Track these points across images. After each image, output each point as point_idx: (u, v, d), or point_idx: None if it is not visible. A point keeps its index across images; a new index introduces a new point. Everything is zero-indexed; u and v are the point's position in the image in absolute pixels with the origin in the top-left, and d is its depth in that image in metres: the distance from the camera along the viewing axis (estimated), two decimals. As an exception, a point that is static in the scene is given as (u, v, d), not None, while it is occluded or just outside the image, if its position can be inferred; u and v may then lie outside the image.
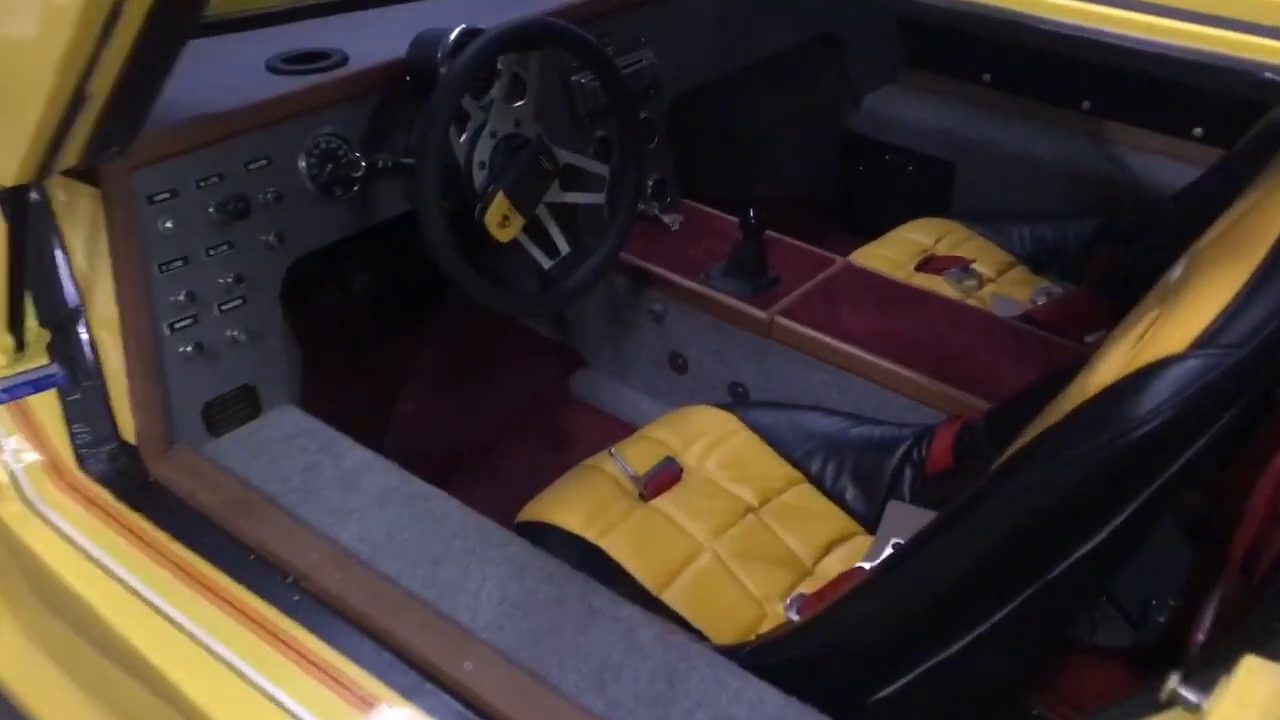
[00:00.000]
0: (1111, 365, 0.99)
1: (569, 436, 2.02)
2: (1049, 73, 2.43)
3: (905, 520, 1.59)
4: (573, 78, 1.84)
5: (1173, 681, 0.68)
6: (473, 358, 2.11)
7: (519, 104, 1.57)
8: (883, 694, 1.12)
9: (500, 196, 1.50)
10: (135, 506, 1.31)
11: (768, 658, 1.20)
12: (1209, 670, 0.71)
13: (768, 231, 1.87)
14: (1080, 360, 1.38)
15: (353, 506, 1.33)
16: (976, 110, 2.47)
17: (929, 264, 2.18)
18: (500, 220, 1.51)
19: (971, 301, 2.05)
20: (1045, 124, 2.40)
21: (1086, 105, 2.40)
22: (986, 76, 2.52)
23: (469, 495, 1.38)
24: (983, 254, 2.23)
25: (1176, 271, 1.08)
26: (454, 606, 1.19)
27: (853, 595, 1.15)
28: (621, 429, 1.98)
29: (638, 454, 1.64)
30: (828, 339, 1.75)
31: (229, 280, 1.42)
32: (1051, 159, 2.37)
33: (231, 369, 1.45)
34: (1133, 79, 2.35)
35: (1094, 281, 1.88)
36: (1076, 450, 0.94)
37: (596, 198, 1.68)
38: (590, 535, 1.49)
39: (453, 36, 1.51)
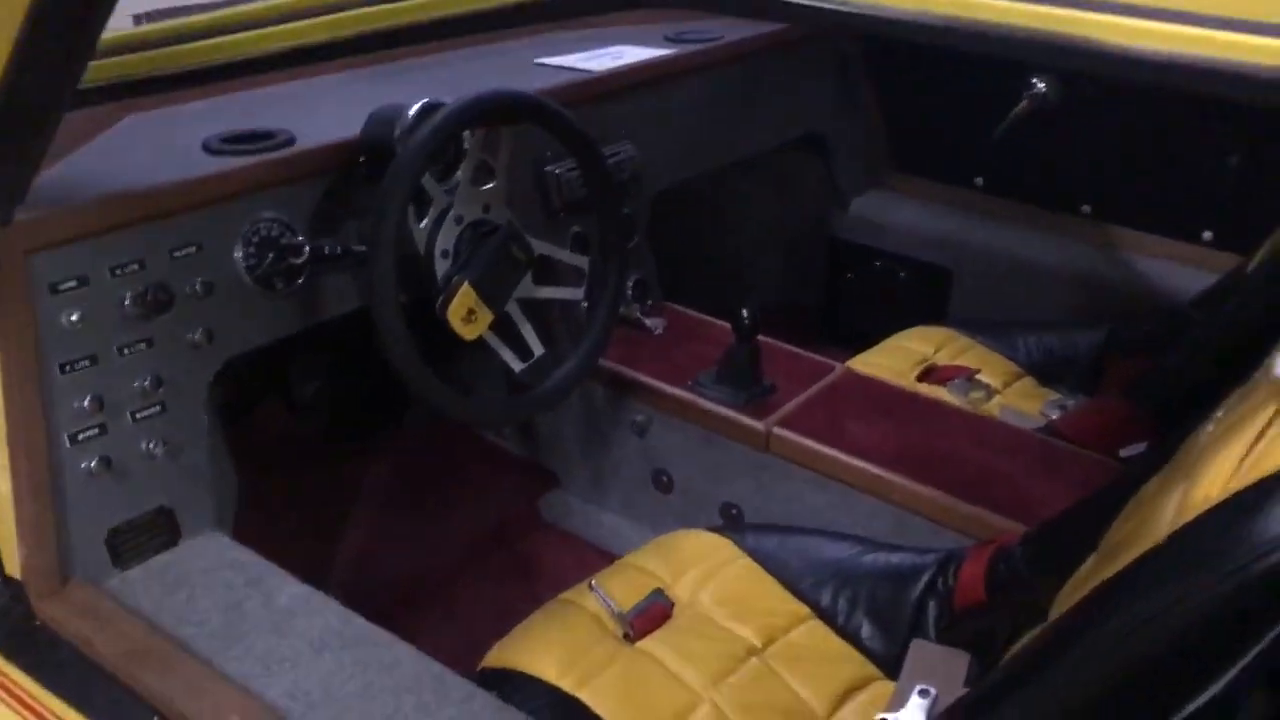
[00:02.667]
0: (1217, 474, 0.80)
1: (540, 567, 1.80)
2: (1044, 176, 2.32)
3: (932, 662, 1.38)
4: (547, 168, 1.68)
5: None
6: (432, 477, 1.90)
7: (487, 187, 1.40)
8: None
9: (466, 287, 1.32)
10: (12, 655, 1.08)
11: None
12: None
13: (760, 336, 1.69)
14: (1130, 476, 1.21)
15: (284, 654, 1.10)
16: (971, 215, 2.34)
17: (931, 374, 2.01)
18: (465, 314, 1.32)
19: (978, 412, 1.88)
20: (1044, 229, 2.28)
21: (1086, 209, 2.28)
22: (979, 180, 2.40)
23: (425, 638, 1.17)
24: (987, 364, 2.06)
25: (1276, 361, 0.90)
26: None
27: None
28: (600, 558, 1.77)
29: (621, 586, 1.42)
30: (833, 452, 1.56)
31: (145, 384, 1.21)
32: (1054, 265, 2.23)
33: (145, 488, 1.23)
34: (1133, 181, 2.24)
35: (1124, 390, 1.71)
36: (1192, 581, 0.74)
37: (574, 293, 1.51)
38: (568, 685, 1.27)
39: (412, 111, 1.34)
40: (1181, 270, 2.13)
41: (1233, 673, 0.76)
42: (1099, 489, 1.28)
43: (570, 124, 1.43)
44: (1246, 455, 0.78)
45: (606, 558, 1.78)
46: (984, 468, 1.54)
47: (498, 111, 1.35)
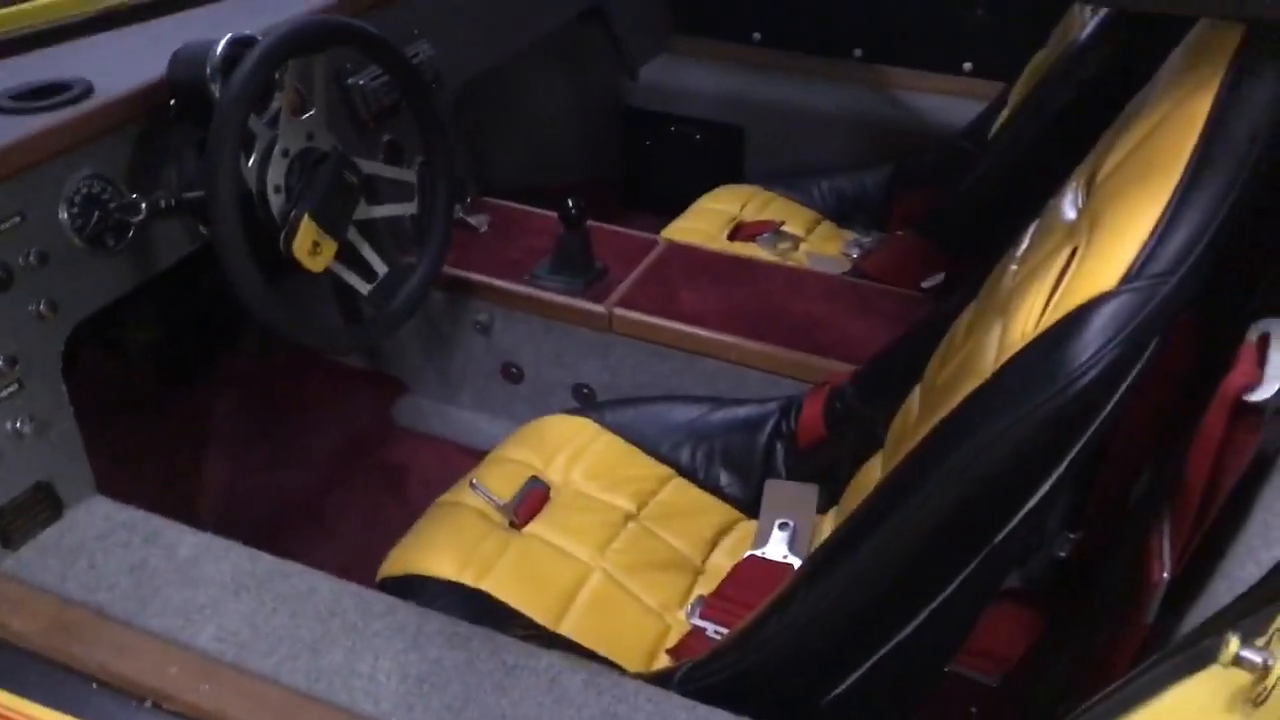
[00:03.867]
0: (1029, 313, 0.94)
1: (405, 472, 1.85)
2: (817, 25, 2.43)
3: (786, 497, 1.53)
4: (349, 80, 1.67)
5: (1233, 645, 0.62)
6: (281, 402, 1.91)
7: (308, 115, 1.40)
8: (835, 692, 1.05)
9: (306, 220, 1.33)
10: None
11: (704, 680, 1.10)
12: (1251, 620, 0.67)
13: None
14: (941, 312, 1.36)
15: (201, 602, 1.14)
16: (755, 71, 2.44)
17: (740, 231, 2.14)
18: (310, 248, 1.33)
19: (790, 263, 2.02)
20: (823, 77, 2.41)
21: (858, 53, 2.42)
22: (756, 35, 2.50)
23: (312, 561, 1.22)
24: (789, 214, 2.21)
25: (1067, 204, 1.04)
26: (352, 697, 1.04)
27: (787, 598, 1.07)
28: (461, 454, 1.84)
29: (498, 479, 1.50)
30: (672, 324, 1.67)
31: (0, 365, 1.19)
32: (836, 111, 2.37)
33: (19, 467, 1.22)
34: (896, 22, 2.38)
35: (916, 226, 1.88)
36: (1021, 408, 0.88)
37: (409, 207, 1.53)
38: (469, 579, 1.36)
39: (220, 49, 1.32)
40: (951, 102, 2.31)
41: (1054, 477, 0.92)
42: (914, 325, 1.43)
43: (384, 41, 1.43)
44: (1051, 295, 0.92)
45: (467, 453, 1.85)
46: (806, 316, 1.68)
47: (315, 38, 1.33)
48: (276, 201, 1.34)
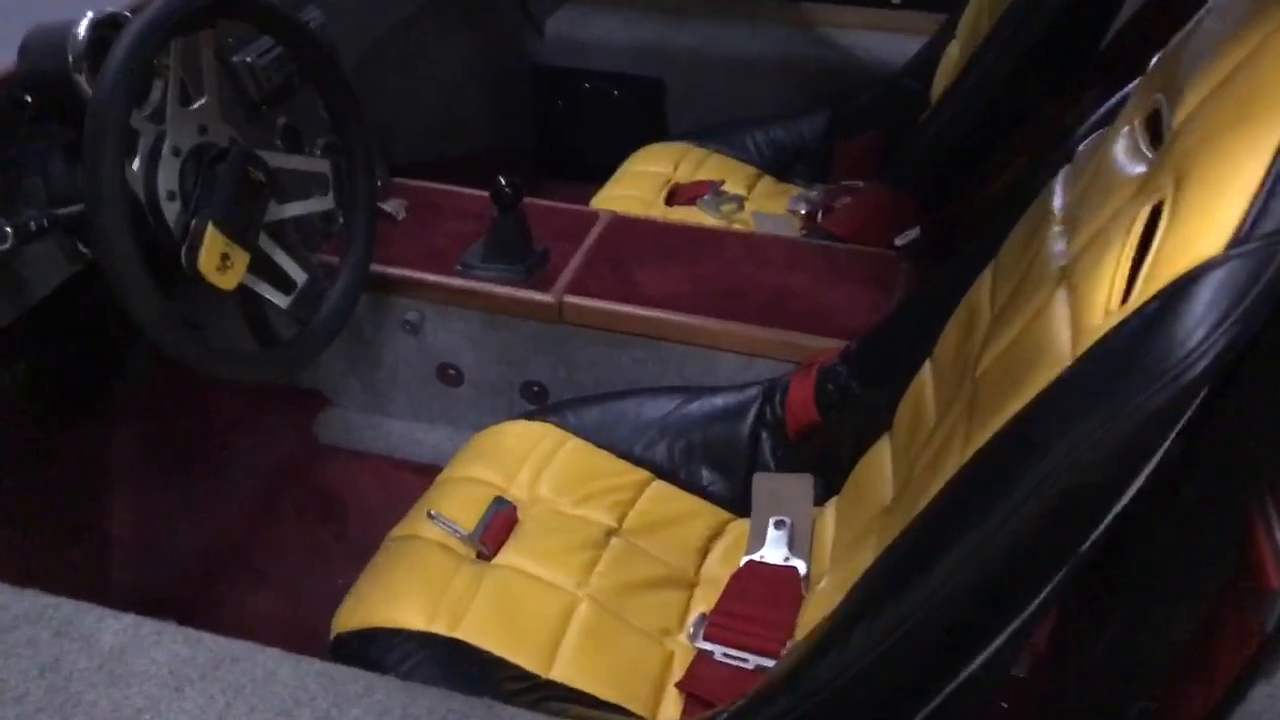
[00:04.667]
0: (1109, 286, 0.80)
1: (339, 498, 1.65)
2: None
3: (778, 491, 1.39)
4: (234, 58, 1.44)
5: None
6: (185, 433, 1.68)
7: (198, 104, 1.18)
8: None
9: (211, 230, 1.11)
10: None
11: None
12: None
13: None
14: (946, 279, 1.22)
15: (137, 705, 0.95)
16: (670, 16, 2.26)
17: (677, 194, 1.97)
18: (219, 262, 1.12)
19: (736, 225, 1.87)
20: (745, 20, 2.24)
21: None
22: None
23: (251, 615, 1.04)
24: (726, 171, 2.05)
25: (1121, 150, 0.90)
26: None
27: (843, 631, 0.92)
28: (399, 471, 1.65)
29: (457, 504, 1.32)
30: (630, 308, 1.50)
31: None
32: (762, 56, 2.21)
33: None
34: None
35: (880, 176, 1.73)
36: (1123, 403, 0.74)
37: (324, 202, 1.32)
38: (441, 628, 1.18)
39: (83, 31, 1.09)
40: (884, 38, 2.17)
41: (1146, 473, 0.79)
42: (911, 294, 1.29)
43: (274, 7, 1.22)
44: (1137, 265, 0.78)
45: (407, 468, 1.67)
46: (775, 288, 1.53)
47: (200, 12, 1.11)
48: (171, 210, 1.13)
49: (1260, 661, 0.83)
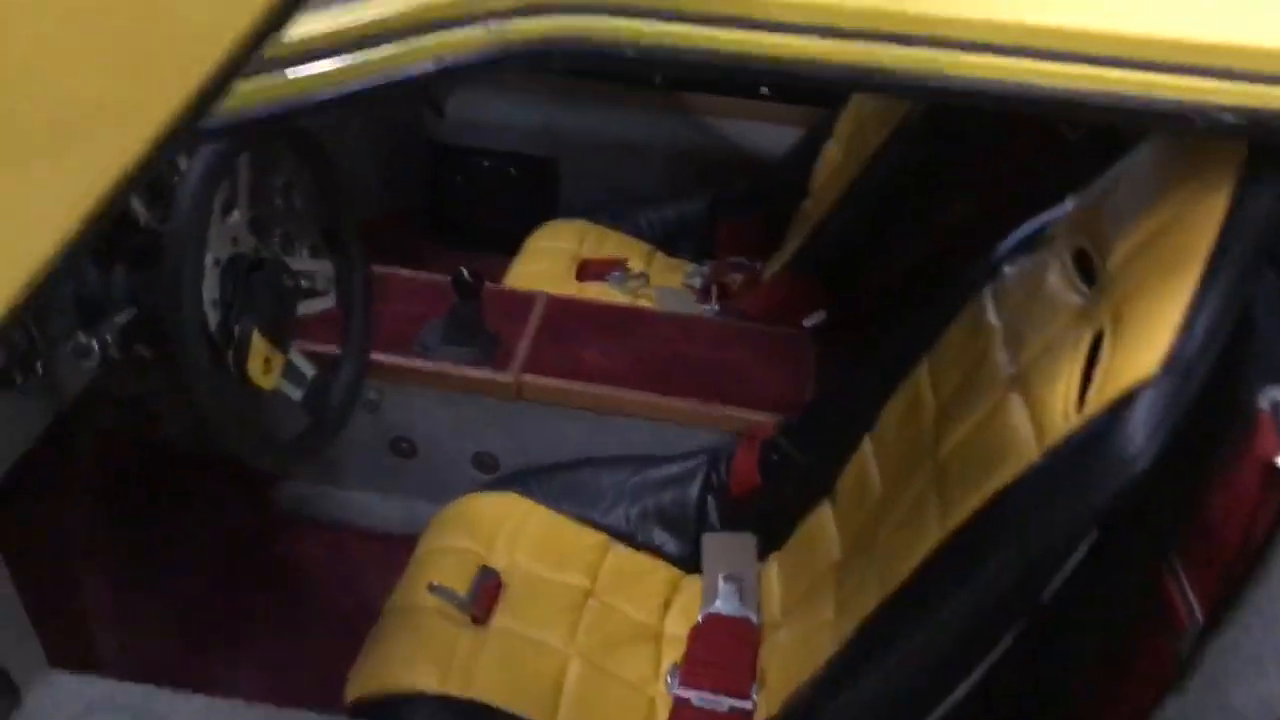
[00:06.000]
0: (1063, 395, 1.03)
1: (301, 566, 1.72)
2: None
3: (725, 550, 1.57)
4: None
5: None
6: (140, 512, 1.71)
7: (232, 219, 1.26)
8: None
9: (257, 337, 1.21)
10: None
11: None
12: None
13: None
14: (881, 360, 1.43)
15: None
16: (563, 101, 2.43)
17: (587, 270, 2.14)
18: (263, 366, 1.22)
19: (643, 301, 2.06)
20: (634, 105, 2.43)
21: (658, 79, 2.46)
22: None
23: (242, 683, 1.13)
24: (626, 249, 2.24)
25: (1054, 275, 1.14)
26: None
27: (834, 682, 1.12)
28: (355, 539, 1.75)
29: (445, 573, 1.44)
30: (582, 385, 1.65)
31: None
32: (649, 140, 2.41)
33: None
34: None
35: (790, 265, 1.95)
36: (1084, 493, 0.97)
37: (327, 302, 1.42)
38: (455, 689, 1.30)
39: None
40: (756, 126, 2.40)
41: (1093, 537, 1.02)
42: (846, 377, 1.51)
43: (311, 136, 1.32)
44: (1085, 379, 1.02)
45: (362, 536, 1.76)
46: (706, 363, 1.72)
47: (258, 136, 1.21)
48: (214, 317, 1.21)
49: (1173, 680, 1.07)
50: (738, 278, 2.12)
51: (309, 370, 1.37)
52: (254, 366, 1.20)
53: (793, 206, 2.15)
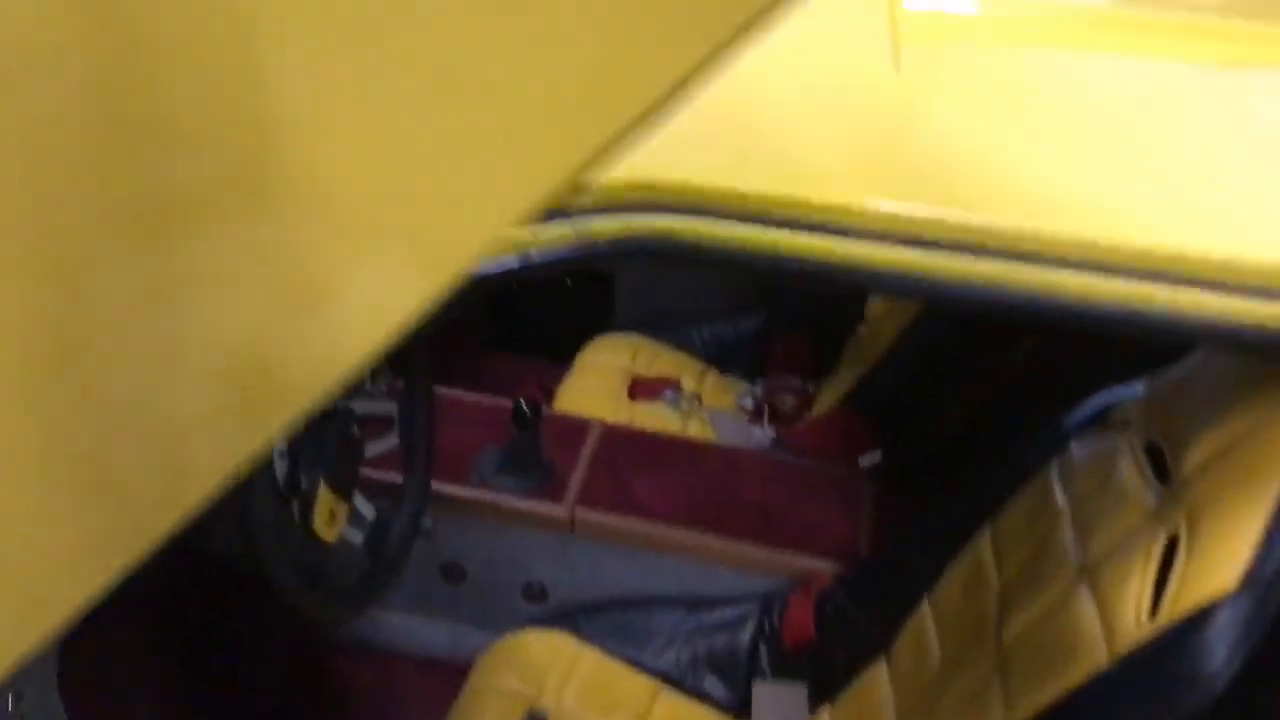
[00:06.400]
0: (1135, 599, 1.01)
1: (348, 693, 1.71)
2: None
3: (776, 700, 1.56)
4: None
5: None
6: (190, 640, 1.70)
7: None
8: None
9: (324, 489, 1.21)
10: None
11: None
12: None
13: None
14: (941, 520, 1.41)
15: None
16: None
17: (638, 389, 2.14)
18: (328, 518, 1.22)
19: (695, 424, 2.06)
20: (688, 220, 2.44)
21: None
22: None
23: None
24: (679, 366, 2.24)
25: (1127, 468, 1.13)
26: None
27: None
28: (402, 664, 1.74)
29: (495, 715, 1.44)
30: (635, 522, 1.65)
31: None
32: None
33: None
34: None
35: (844, 401, 1.94)
36: (1161, 706, 0.95)
37: (392, 441, 1.43)
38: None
39: None
40: None
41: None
42: (907, 533, 1.50)
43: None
44: (1160, 585, 1.00)
45: (406, 661, 1.75)
46: (760, 503, 1.71)
47: None
48: (281, 468, 1.22)
49: None
50: (790, 399, 2.12)
51: (370, 512, 1.37)
52: (320, 519, 1.21)
53: (848, 326, 2.16)
